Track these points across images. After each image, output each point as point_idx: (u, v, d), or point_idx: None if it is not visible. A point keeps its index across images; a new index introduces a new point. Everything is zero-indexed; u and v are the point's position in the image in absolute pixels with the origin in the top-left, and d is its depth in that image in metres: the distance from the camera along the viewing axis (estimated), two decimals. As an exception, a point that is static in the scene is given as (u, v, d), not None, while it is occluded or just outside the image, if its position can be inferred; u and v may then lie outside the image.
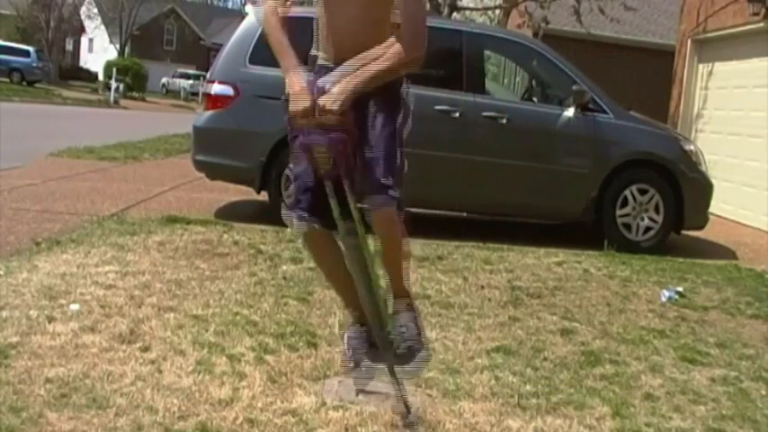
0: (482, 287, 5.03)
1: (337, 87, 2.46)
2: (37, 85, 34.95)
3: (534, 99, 7.82)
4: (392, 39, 2.53)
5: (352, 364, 2.86)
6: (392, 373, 2.81)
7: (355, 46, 2.56)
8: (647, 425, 3.14)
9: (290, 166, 2.66)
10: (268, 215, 6.82)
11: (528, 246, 6.56)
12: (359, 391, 3.16)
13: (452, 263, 5.64)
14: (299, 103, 2.46)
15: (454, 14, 16.93)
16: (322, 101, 2.45)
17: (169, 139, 14.99)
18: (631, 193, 6.98)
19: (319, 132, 2.49)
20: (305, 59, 8.06)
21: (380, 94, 2.55)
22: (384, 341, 2.74)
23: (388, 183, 2.48)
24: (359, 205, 2.55)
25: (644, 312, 4.85)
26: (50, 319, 3.64)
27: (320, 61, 2.69)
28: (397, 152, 2.56)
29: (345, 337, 2.90)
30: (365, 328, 2.81)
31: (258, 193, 7.10)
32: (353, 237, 2.63)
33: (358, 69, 2.49)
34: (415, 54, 2.51)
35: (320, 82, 2.50)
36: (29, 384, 2.93)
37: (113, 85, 33.11)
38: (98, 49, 53.63)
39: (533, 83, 8.24)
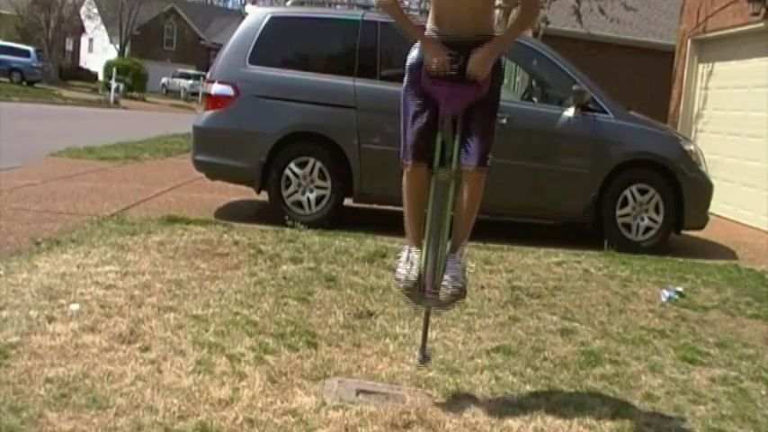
0: (482, 287, 5.03)
1: (481, 55, 3.11)
2: (37, 85, 34.93)
3: (534, 99, 7.82)
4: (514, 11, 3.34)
5: (405, 281, 3.24)
6: (427, 314, 3.35)
7: (471, 25, 3.16)
8: (647, 425, 3.14)
9: (408, 123, 3.20)
10: (268, 215, 6.83)
11: (528, 246, 6.56)
12: (359, 391, 3.17)
13: (452, 263, 5.63)
14: (439, 54, 3.12)
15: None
16: (472, 67, 3.11)
17: (169, 139, 14.99)
18: (631, 193, 6.97)
19: (463, 86, 3.15)
20: (305, 59, 7.98)
21: (489, 78, 3.17)
22: (433, 276, 3.23)
23: (486, 161, 3.17)
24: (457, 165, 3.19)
25: (644, 312, 4.85)
26: (50, 319, 3.64)
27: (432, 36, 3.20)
28: (492, 141, 3.21)
29: (407, 258, 3.27)
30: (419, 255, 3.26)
31: (258, 193, 7.10)
32: (448, 175, 3.22)
33: (491, 44, 3.13)
34: (532, 17, 3.49)
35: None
36: (29, 384, 2.93)
37: (113, 85, 33.09)
38: (98, 49, 53.64)
39: (533, 83, 8.24)
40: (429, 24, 3.24)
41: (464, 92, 3.15)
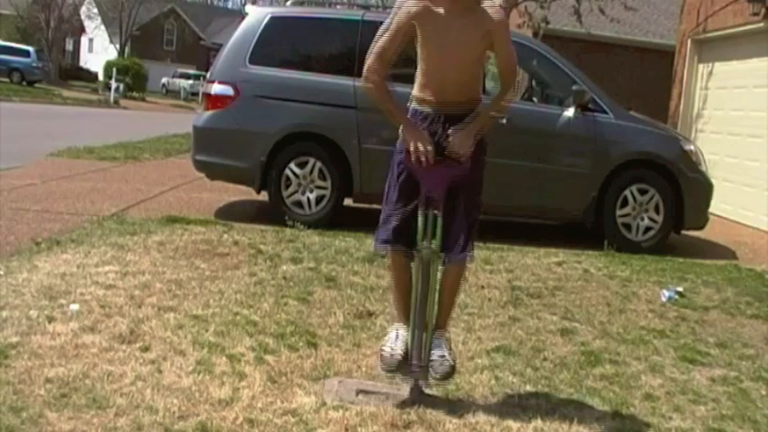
0: (482, 287, 5.03)
1: (462, 134, 3.07)
2: (37, 85, 34.91)
3: (534, 99, 7.82)
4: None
5: (390, 359, 3.17)
6: (415, 383, 3.21)
7: (455, 95, 3.14)
8: (647, 425, 3.14)
9: (392, 201, 3.17)
10: (268, 215, 6.83)
11: (528, 246, 6.56)
12: (359, 391, 3.17)
13: (452, 263, 5.63)
14: (422, 142, 3.06)
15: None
16: (453, 147, 3.07)
17: (169, 139, 14.99)
18: (631, 193, 6.98)
19: (445, 165, 3.10)
20: (305, 59, 7.96)
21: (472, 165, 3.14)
22: (420, 350, 3.17)
23: (470, 246, 3.14)
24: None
25: (644, 312, 4.85)
26: (50, 319, 3.64)
27: (416, 106, 3.22)
28: (477, 220, 3.21)
29: (395, 336, 3.22)
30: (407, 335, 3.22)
31: (258, 193, 7.10)
32: (431, 252, 3.15)
33: (471, 122, 3.11)
34: (511, 95, 3.21)
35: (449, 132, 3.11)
36: (29, 384, 2.93)
37: (113, 85, 33.07)
38: (98, 49, 53.61)
39: (533, 83, 8.24)
40: (414, 92, 3.22)
41: (446, 171, 3.10)
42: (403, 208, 3.15)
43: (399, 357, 3.15)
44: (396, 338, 3.20)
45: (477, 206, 3.22)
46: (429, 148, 3.06)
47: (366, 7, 8.29)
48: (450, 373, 3.17)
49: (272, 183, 6.76)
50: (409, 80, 3.26)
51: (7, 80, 33.58)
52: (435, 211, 3.12)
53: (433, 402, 3.14)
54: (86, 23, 52.94)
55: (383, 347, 3.21)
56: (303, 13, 7.45)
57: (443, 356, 3.15)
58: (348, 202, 7.06)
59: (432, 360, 3.15)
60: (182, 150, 12.56)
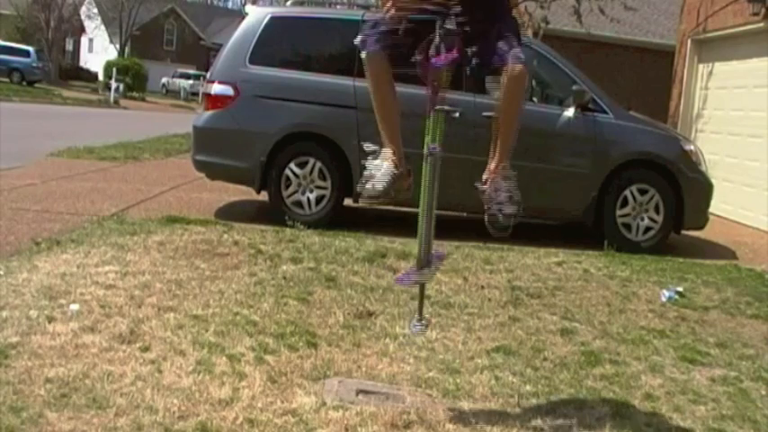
0: (482, 287, 5.03)
1: None
2: (37, 85, 34.93)
3: (534, 99, 7.81)
4: None
5: (371, 190, 3.06)
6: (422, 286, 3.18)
7: None
8: (647, 425, 3.14)
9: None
10: (268, 215, 6.83)
11: (528, 246, 6.56)
12: (359, 391, 3.17)
13: (452, 263, 5.63)
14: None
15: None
16: None
17: (169, 139, 14.99)
18: (631, 193, 6.98)
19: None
20: (305, 59, 7.92)
21: None
22: (428, 251, 3.17)
23: (520, 51, 2.89)
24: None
25: (644, 312, 4.85)
26: (50, 319, 3.64)
27: None
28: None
29: (379, 166, 3.09)
30: (398, 172, 3.12)
31: (258, 193, 7.10)
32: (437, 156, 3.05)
33: None
34: None
35: None
36: (29, 384, 2.93)
37: (113, 85, 33.08)
38: (98, 49, 53.62)
39: (533, 83, 8.23)
40: None
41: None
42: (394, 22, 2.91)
43: (380, 188, 3.04)
44: (375, 173, 3.06)
45: (516, 28, 3.05)
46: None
47: (366, 7, 8.30)
48: (515, 212, 3.22)
49: (272, 183, 6.76)
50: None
51: (7, 80, 33.59)
52: (445, 107, 3.01)
53: (432, 402, 3.14)
54: (86, 23, 52.96)
55: (365, 183, 3.08)
56: (303, 13, 7.45)
57: (508, 192, 3.21)
58: (348, 202, 7.06)
59: (500, 205, 3.21)
60: (182, 150, 12.56)
